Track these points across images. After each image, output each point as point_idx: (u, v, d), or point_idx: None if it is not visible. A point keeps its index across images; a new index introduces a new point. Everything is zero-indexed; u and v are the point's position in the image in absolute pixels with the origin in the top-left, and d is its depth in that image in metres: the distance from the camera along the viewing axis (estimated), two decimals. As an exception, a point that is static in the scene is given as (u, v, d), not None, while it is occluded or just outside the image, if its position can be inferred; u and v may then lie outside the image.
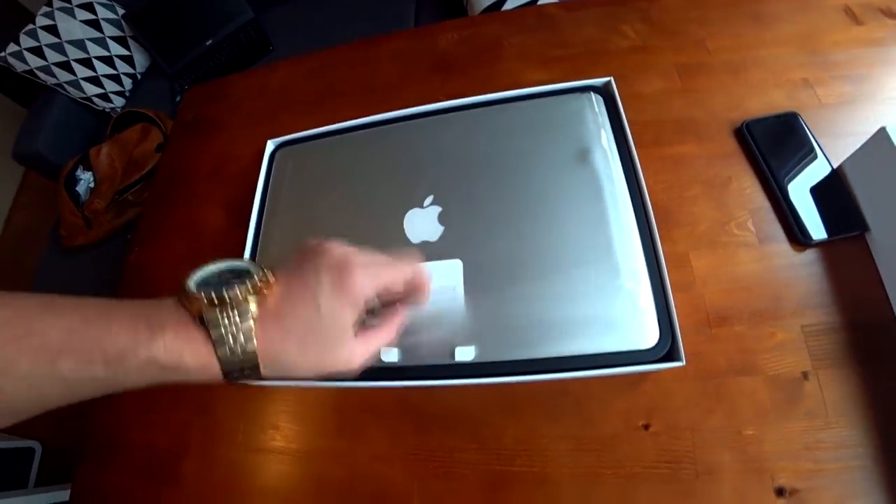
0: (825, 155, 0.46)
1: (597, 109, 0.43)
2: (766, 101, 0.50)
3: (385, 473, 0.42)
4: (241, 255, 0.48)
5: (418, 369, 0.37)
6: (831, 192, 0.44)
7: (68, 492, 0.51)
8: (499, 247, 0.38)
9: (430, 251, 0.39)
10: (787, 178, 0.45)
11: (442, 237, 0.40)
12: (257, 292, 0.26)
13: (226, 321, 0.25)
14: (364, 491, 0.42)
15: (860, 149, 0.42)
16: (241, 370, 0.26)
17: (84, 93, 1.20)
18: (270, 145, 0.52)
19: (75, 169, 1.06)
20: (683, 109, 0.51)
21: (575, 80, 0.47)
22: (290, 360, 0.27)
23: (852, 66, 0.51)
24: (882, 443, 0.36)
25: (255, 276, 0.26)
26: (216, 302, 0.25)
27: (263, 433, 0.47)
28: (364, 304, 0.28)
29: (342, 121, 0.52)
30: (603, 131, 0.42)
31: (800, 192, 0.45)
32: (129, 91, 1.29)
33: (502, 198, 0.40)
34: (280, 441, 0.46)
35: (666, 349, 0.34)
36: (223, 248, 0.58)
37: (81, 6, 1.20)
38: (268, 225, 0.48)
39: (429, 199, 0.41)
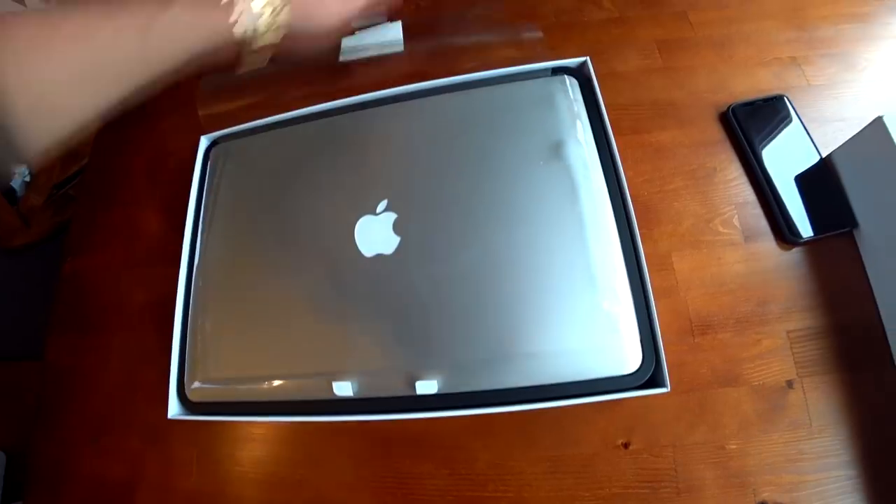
0: (814, 143, 0.43)
1: (571, 95, 0.39)
2: (752, 82, 0.46)
3: (352, 502, 0.39)
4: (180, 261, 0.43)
5: (375, 402, 0.33)
6: (819, 184, 0.41)
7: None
8: (462, 260, 0.34)
9: (386, 266, 0.35)
10: (774, 169, 0.42)
11: (398, 250, 0.35)
12: None
13: None
14: (328, 523, 0.39)
15: (852, 139, 0.39)
16: (274, 15, 0.30)
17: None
18: (204, 141, 0.46)
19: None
20: (664, 90, 0.47)
21: (546, 56, 0.42)
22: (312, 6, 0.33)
23: (839, 42, 0.48)
24: (865, 451, 0.35)
25: None
26: None
27: (220, 463, 0.43)
28: None
29: (287, 106, 0.45)
30: (578, 121, 0.37)
31: (788, 184, 0.42)
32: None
33: (466, 201, 0.36)
34: (239, 470, 0.42)
35: (649, 374, 0.31)
36: (164, 254, 0.52)
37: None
38: (207, 231, 0.42)
39: (382, 205, 0.36)
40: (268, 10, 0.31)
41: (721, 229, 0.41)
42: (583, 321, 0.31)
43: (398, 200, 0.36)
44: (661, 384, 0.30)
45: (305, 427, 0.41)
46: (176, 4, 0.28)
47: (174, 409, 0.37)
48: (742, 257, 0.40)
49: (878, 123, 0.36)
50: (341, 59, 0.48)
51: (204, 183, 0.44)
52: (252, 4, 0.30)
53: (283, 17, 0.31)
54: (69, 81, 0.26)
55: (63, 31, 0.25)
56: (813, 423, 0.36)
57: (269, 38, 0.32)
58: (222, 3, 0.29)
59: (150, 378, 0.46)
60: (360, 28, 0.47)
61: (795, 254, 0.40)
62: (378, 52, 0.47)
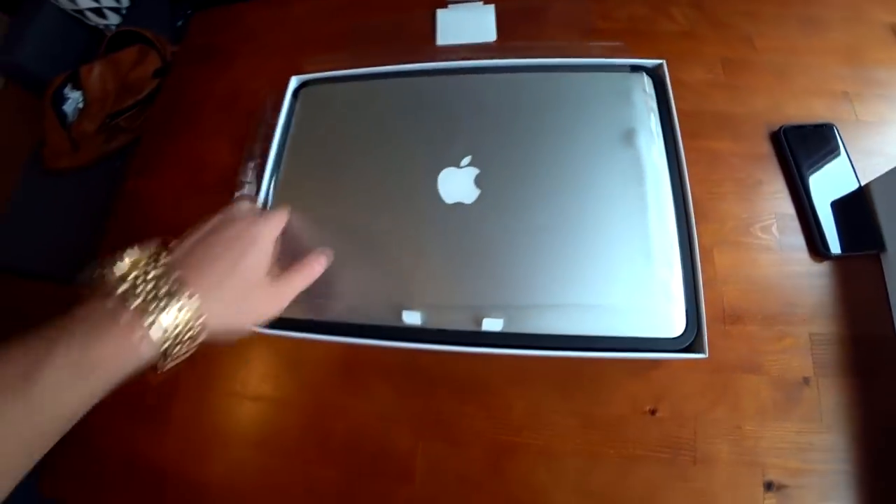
0: (855, 171, 0.46)
1: (647, 91, 0.42)
2: (805, 108, 0.50)
3: (389, 432, 0.42)
4: (254, 194, 0.46)
5: (442, 333, 0.36)
6: (855, 208, 0.45)
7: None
8: (535, 218, 0.37)
9: (465, 214, 0.38)
10: (815, 189, 0.46)
11: (478, 201, 0.38)
12: (160, 253, 0.27)
13: (141, 282, 0.25)
14: (367, 448, 0.42)
15: (891, 171, 0.43)
16: (178, 324, 0.25)
17: (76, 4, 1.09)
18: (294, 81, 0.49)
19: (63, 86, 0.97)
20: (724, 104, 0.50)
21: (626, 56, 0.45)
22: (225, 321, 0.28)
23: (892, 85, 0.51)
24: (865, 453, 0.38)
25: (156, 251, 0.27)
26: (129, 282, 0.25)
27: (264, 381, 0.46)
28: (271, 248, 0.31)
29: (367, 66, 0.48)
30: (652, 115, 0.41)
31: (825, 203, 0.45)
32: (126, 9, 1.19)
33: (543, 168, 0.39)
34: (281, 391, 0.45)
35: (690, 340, 0.34)
36: (230, 184, 0.55)
37: None
38: (287, 167, 0.45)
39: (466, 160, 0.40)
40: (171, 327, 0.25)
41: (760, 234, 0.45)
42: (637, 283, 0.35)
43: (481, 158, 0.39)
44: (700, 350, 0.33)
45: (358, 358, 0.44)
46: (61, 341, 0.23)
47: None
48: (776, 262, 0.44)
49: (920, 158, 0.39)
50: (438, 42, 0.52)
51: (290, 121, 0.47)
52: (151, 333, 0.24)
53: (194, 332, 0.26)
54: None
55: None
56: (824, 418, 0.39)
57: (182, 352, 0.26)
58: (112, 329, 0.24)
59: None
60: (455, 2, 0.51)
61: (825, 266, 0.44)
62: (471, 40, 0.51)
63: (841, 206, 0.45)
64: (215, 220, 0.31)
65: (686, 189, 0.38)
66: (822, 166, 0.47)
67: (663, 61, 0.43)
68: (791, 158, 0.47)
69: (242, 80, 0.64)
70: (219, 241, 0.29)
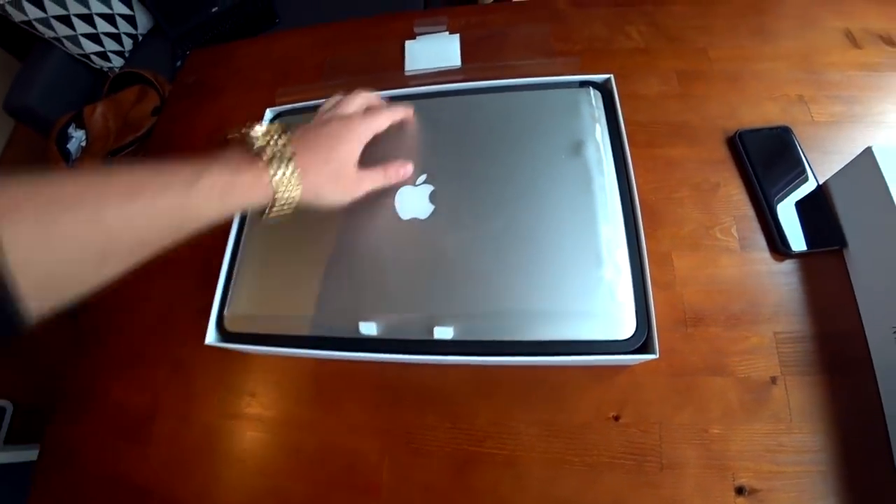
0: (812, 170, 0.47)
1: (594, 104, 0.44)
2: (760, 113, 0.51)
3: (358, 446, 0.42)
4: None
5: (396, 343, 0.37)
6: (815, 207, 0.45)
7: (37, 451, 0.50)
8: (487, 229, 0.38)
9: (420, 228, 0.39)
10: (773, 189, 0.46)
11: (432, 215, 0.40)
12: (286, 129, 0.35)
13: (271, 145, 0.34)
14: (336, 462, 0.42)
15: (846, 167, 0.43)
16: (288, 190, 0.33)
17: (82, 49, 1.17)
18: (269, 114, 0.52)
19: (68, 126, 1.04)
20: (679, 113, 0.52)
21: (576, 73, 0.47)
22: (321, 189, 0.36)
23: (846, 87, 0.52)
24: (839, 450, 0.37)
25: (278, 124, 0.36)
26: (261, 140, 0.33)
27: (240, 399, 0.47)
28: (364, 143, 0.38)
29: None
30: (598, 126, 0.42)
31: (784, 203, 0.46)
32: (129, 52, 1.27)
33: (494, 182, 0.41)
34: (256, 408, 0.46)
35: (641, 341, 0.34)
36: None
37: (87, -40, 1.17)
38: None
39: (421, 178, 0.42)
40: (284, 182, 0.33)
41: (719, 236, 0.45)
42: (586, 288, 0.35)
43: (436, 176, 0.41)
44: (651, 351, 0.34)
45: (323, 371, 0.45)
46: (215, 165, 0.31)
47: (211, 336, 0.42)
48: (737, 263, 0.44)
49: (868, 153, 0.40)
50: (407, 70, 0.55)
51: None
52: (274, 180, 0.33)
53: (295, 193, 0.34)
54: (80, 259, 0.25)
55: (112, 188, 0.26)
56: (793, 418, 0.39)
57: (286, 207, 0.35)
58: (251, 169, 0.32)
59: (185, 318, 0.51)
60: (422, 34, 0.54)
61: (787, 265, 0.44)
62: (437, 66, 0.54)
63: (801, 206, 0.46)
64: (332, 107, 0.41)
65: (634, 195, 0.39)
66: (779, 167, 0.48)
67: (611, 76, 0.45)
68: (748, 161, 0.48)
69: (227, 113, 0.68)
70: (325, 132, 0.37)
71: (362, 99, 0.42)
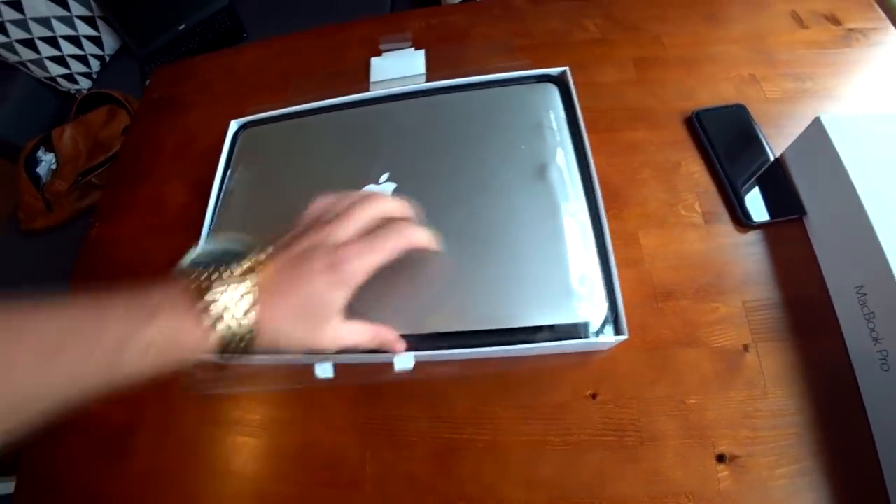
0: (768, 144, 0.49)
1: (550, 97, 0.45)
2: (715, 94, 0.53)
3: (338, 442, 0.42)
4: (201, 229, 0.48)
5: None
6: (773, 178, 0.47)
7: (13, 483, 0.48)
8: (450, 222, 0.39)
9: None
10: (732, 165, 0.48)
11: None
12: (252, 270, 0.27)
13: (223, 298, 0.26)
14: (317, 459, 0.41)
15: (798, 138, 0.45)
16: (239, 343, 0.27)
17: (48, 72, 1.16)
18: (234, 125, 0.52)
19: (36, 150, 1.02)
20: (638, 98, 0.53)
21: (537, 68, 0.48)
22: (282, 334, 0.28)
23: (796, 65, 0.54)
24: (813, 411, 0.38)
25: (250, 256, 0.28)
26: (212, 280, 0.26)
27: (220, 404, 0.46)
28: (355, 287, 0.29)
29: (309, 103, 0.52)
30: (554, 115, 0.43)
31: (744, 177, 0.47)
32: (97, 73, 1.26)
33: (455, 177, 0.41)
34: (237, 412, 0.45)
35: (610, 324, 0.35)
36: (185, 222, 0.57)
37: (49, -16, 1.17)
38: (227, 201, 0.48)
39: (384, 177, 0.42)
40: (232, 329, 0.26)
41: (683, 212, 0.46)
42: (553, 274, 0.36)
43: (398, 174, 0.42)
44: (619, 333, 0.34)
45: (299, 372, 0.44)
46: (155, 323, 0.25)
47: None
48: (702, 237, 0.45)
49: (817, 123, 0.42)
50: (371, 83, 0.56)
51: (231, 161, 0.50)
52: (218, 325, 0.26)
53: (247, 343, 0.27)
54: None
55: (22, 343, 0.23)
56: (767, 383, 0.39)
57: (235, 358, 0.28)
58: (199, 324, 0.26)
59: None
60: (388, 50, 0.55)
61: (751, 236, 0.45)
62: (402, 79, 0.55)
63: (760, 178, 0.47)
64: (319, 219, 0.31)
65: (593, 179, 0.40)
66: (737, 143, 0.49)
67: (566, 68, 0.47)
68: (706, 139, 0.49)
69: (195, 127, 0.67)
70: (307, 272, 0.28)
71: (367, 214, 0.31)
